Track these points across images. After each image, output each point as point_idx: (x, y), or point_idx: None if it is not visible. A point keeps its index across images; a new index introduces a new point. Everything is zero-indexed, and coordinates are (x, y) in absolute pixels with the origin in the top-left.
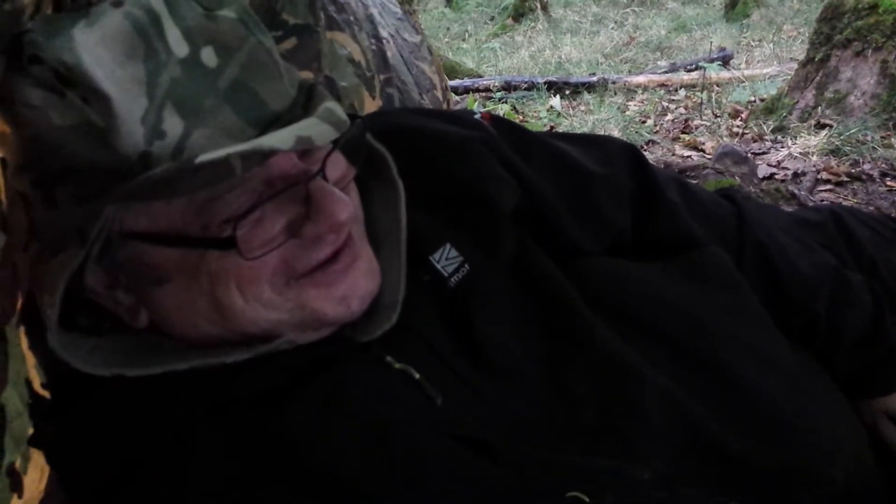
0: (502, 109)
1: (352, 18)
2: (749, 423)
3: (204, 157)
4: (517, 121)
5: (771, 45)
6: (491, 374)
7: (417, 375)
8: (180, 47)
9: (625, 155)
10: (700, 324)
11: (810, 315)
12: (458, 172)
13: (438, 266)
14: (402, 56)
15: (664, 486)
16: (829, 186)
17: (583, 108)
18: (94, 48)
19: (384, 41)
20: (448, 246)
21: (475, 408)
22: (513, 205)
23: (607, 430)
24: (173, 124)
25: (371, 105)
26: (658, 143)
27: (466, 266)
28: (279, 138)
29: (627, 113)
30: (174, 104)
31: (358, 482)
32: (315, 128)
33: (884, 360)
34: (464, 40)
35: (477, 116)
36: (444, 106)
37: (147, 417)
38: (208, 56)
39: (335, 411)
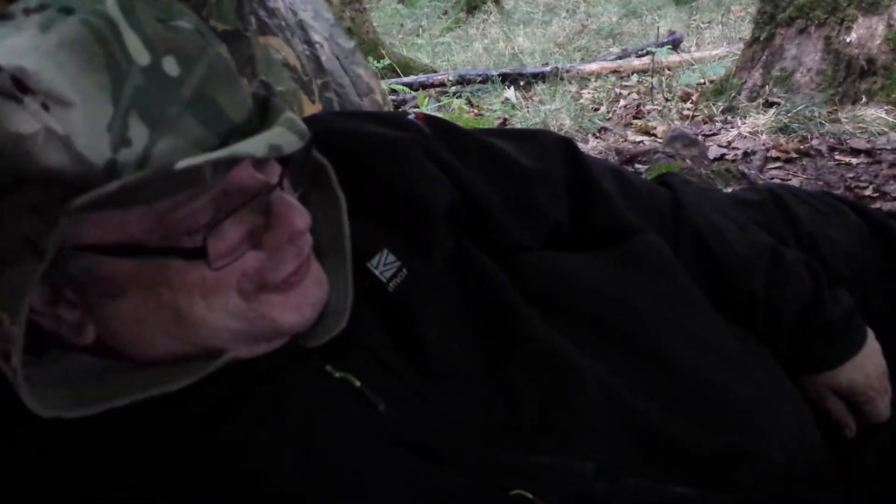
0: (457, 104)
1: (283, 23)
2: (690, 408)
3: (182, 164)
4: (472, 114)
5: (720, 26)
6: (433, 377)
7: (358, 383)
8: (141, 56)
9: (559, 148)
10: (637, 312)
11: (749, 295)
12: (390, 175)
13: (377, 272)
14: (338, 60)
15: (608, 477)
16: (778, 164)
17: (537, 98)
18: (56, 54)
19: (317, 46)
20: (385, 251)
21: (419, 412)
22: (447, 205)
23: (549, 426)
24: (139, 132)
25: (311, 109)
26: (610, 130)
27: (404, 270)
28: (252, 146)
29: (581, 101)
30: (139, 112)
31: (297, 494)
32: (284, 137)
33: (825, 335)
34: (418, 36)
35: (411, 117)
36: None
37: (77, 455)
38: (170, 65)
39: (274, 424)
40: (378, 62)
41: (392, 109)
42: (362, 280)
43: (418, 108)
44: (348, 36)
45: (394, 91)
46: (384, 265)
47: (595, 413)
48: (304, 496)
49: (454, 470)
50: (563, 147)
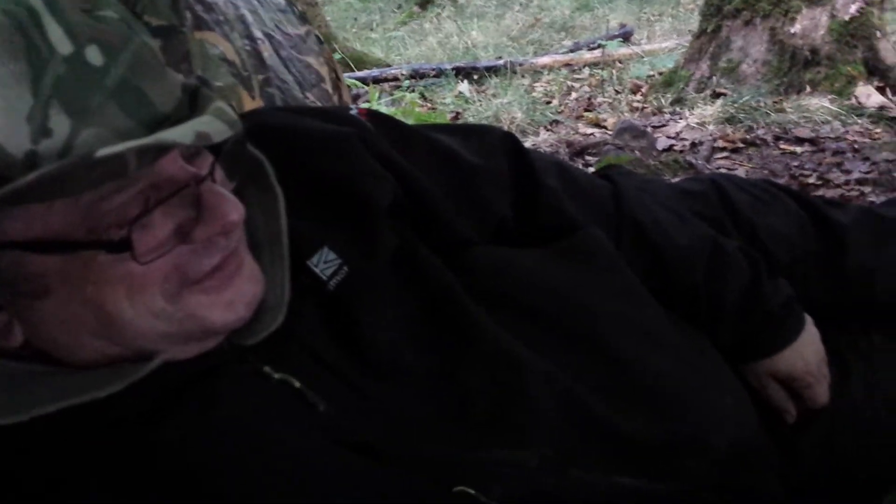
0: (410, 98)
1: (221, 18)
2: (633, 399)
3: (103, 152)
4: (425, 109)
5: (670, 18)
6: (378, 375)
7: (298, 384)
8: (63, 45)
9: (503, 144)
10: (581, 306)
11: (690, 287)
12: (330, 171)
13: (317, 270)
14: (279, 55)
15: (553, 470)
16: (725, 154)
17: (490, 92)
18: None
19: (259, 41)
20: (325, 249)
21: (361, 411)
22: (390, 201)
23: (497, 421)
24: (60, 123)
25: (251, 104)
26: (562, 123)
27: (345, 268)
28: (178, 133)
29: (534, 94)
30: (60, 102)
31: (235, 498)
32: (212, 125)
33: (764, 324)
34: (371, 30)
35: (353, 112)
36: (336, 98)
37: (7, 461)
38: (93, 55)
39: (209, 428)
40: None
41: (350, 98)
42: (302, 278)
43: (370, 102)
44: (302, 22)
45: (347, 86)
46: (324, 263)
47: (542, 406)
48: (241, 500)
49: (396, 469)
50: (507, 142)
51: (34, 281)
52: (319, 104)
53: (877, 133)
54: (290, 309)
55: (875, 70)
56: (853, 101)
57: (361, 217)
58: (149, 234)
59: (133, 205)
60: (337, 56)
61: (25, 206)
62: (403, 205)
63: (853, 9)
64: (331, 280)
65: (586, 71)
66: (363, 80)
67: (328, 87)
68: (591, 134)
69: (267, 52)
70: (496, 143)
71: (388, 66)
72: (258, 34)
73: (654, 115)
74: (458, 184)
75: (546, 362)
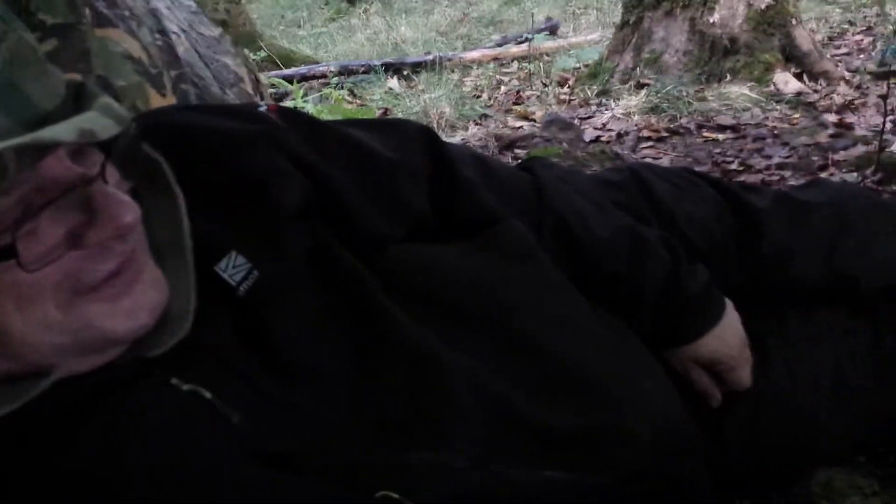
0: (339, 95)
1: (127, 13)
2: (555, 391)
3: None
4: (354, 105)
5: (595, 11)
6: (294, 381)
7: (209, 395)
8: None
9: (420, 137)
10: (502, 299)
11: (611, 276)
12: (236, 171)
13: (225, 276)
14: (197, 51)
15: (480, 469)
16: (650, 143)
17: (420, 87)
18: None
19: (173, 35)
20: (234, 253)
21: (278, 420)
22: (301, 201)
23: (419, 422)
24: None
25: (161, 102)
26: (491, 117)
27: (255, 272)
28: (59, 130)
29: (463, 89)
30: None
31: None
32: (97, 121)
33: (685, 310)
34: (299, 27)
35: (262, 109)
36: (258, 99)
37: None
38: None
39: (113, 446)
40: (256, 54)
41: (272, 100)
42: (210, 285)
43: (295, 100)
44: (215, 24)
45: (273, 85)
46: (233, 268)
47: (464, 404)
48: None
49: (316, 477)
50: (424, 136)
51: None
52: (239, 102)
53: (795, 118)
54: (198, 317)
55: (792, 57)
56: (772, 87)
57: (270, 219)
58: (36, 240)
59: (16, 209)
60: (263, 54)
61: None
62: (316, 204)
63: None
64: (240, 285)
65: (515, 65)
66: (290, 78)
67: (248, 87)
68: (520, 127)
69: (182, 46)
70: (412, 136)
71: (317, 63)
72: (173, 28)
73: (581, 106)
74: (375, 180)
75: (467, 358)
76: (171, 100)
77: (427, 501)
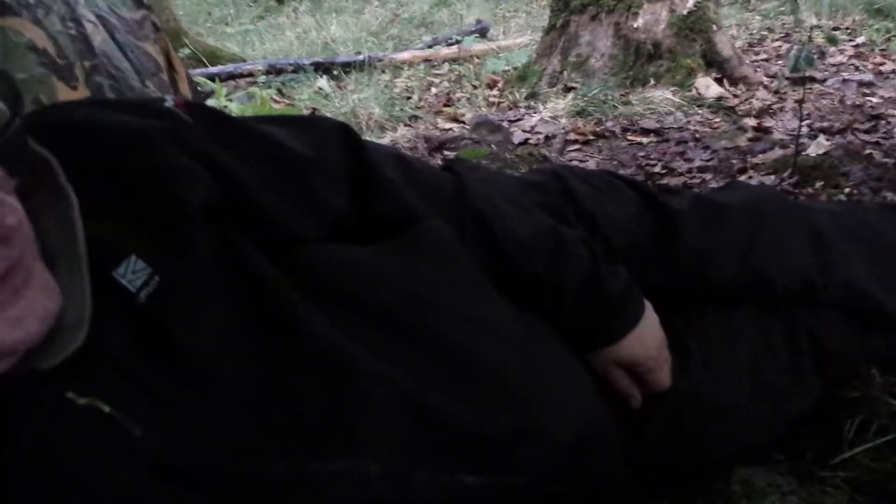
0: (266, 94)
1: (32, 1)
2: (473, 393)
3: None
4: (282, 105)
5: (524, 14)
6: (200, 390)
7: (107, 409)
8: None
9: (337, 134)
10: (420, 300)
11: (532, 277)
12: (135, 170)
13: (124, 282)
14: (116, 39)
15: (395, 476)
16: (577, 146)
17: (350, 88)
18: None
19: (88, 24)
20: (132, 257)
21: (183, 432)
22: (206, 200)
23: (333, 429)
24: None
25: (70, 95)
26: (421, 118)
27: (156, 277)
28: None
29: (395, 90)
30: None
31: None
32: None
33: (604, 311)
34: (227, 24)
35: (168, 104)
36: (174, 90)
37: None
38: None
39: (1, 465)
40: (180, 52)
41: (189, 90)
42: (108, 291)
43: (217, 99)
44: (137, 6)
45: (196, 84)
46: (132, 273)
47: (379, 409)
48: None
49: (220, 491)
50: (341, 133)
51: None
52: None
53: (716, 122)
54: (94, 325)
55: (713, 62)
56: (694, 92)
57: (171, 219)
58: None
59: None
60: (187, 51)
61: None
62: (223, 203)
63: (690, 3)
64: (141, 291)
65: (445, 66)
66: (216, 77)
67: (166, 76)
68: (450, 129)
69: (99, 36)
70: (329, 133)
71: (244, 61)
72: (88, 16)
73: (510, 109)
74: (289, 177)
75: (382, 362)
76: (82, 93)
77: None
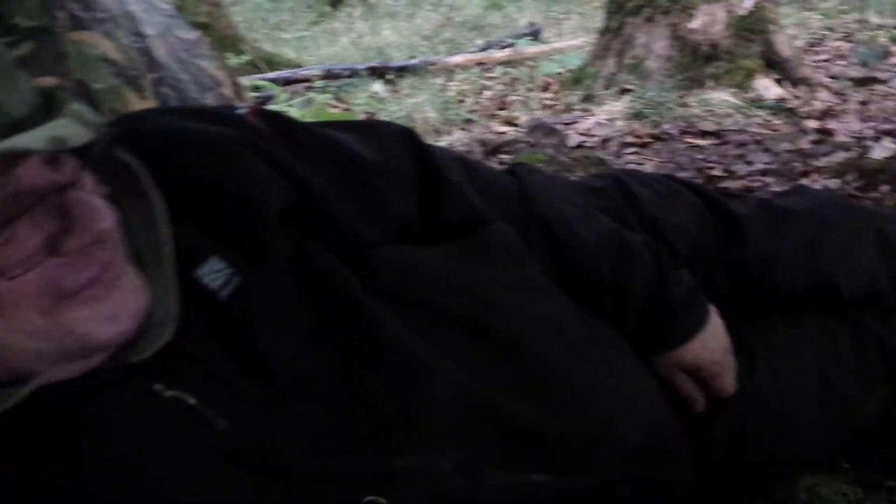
0: (322, 99)
1: (103, 16)
2: (542, 394)
3: None
4: (338, 110)
5: (577, 16)
6: (278, 387)
7: (193, 401)
8: None
9: (402, 139)
10: (488, 302)
11: (596, 281)
12: (215, 177)
13: (206, 281)
14: (174, 55)
15: (466, 473)
16: (634, 149)
17: (404, 92)
18: None
19: (150, 38)
20: (214, 258)
21: (262, 427)
22: (281, 205)
23: (404, 426)
24: None
25: (141, 105)
26: (475, 122)
27: (237, 278)
28: (31, 138)
29: (448, 93)
30: None
31: None
32: (68, 128)
33: (669, 315)
34: (282, 30)
35: (242, 112)
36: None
37: None
38: None
39: (96, 454)
40: (239, 58)
41: (253, 104)
42: (191, 291)
43: (277, 104)
44: (193, 28)
45: (257, 88)
46: (214, 273)
47: (450, 409)
48: None
49: (300, 484)
50: (406, 137)
51: None
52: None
53: (777, 125)
54: (180, 323)
55: (772, 63)
56: (753, 94)
57: (250, 224)
58: (13, 247)
59: None
60: (247, 58)
61: None
62: (298, 208)
63: (749, 3)
64: (221, 291)
65: (499, 70)
66: (274, 82)
67: (227, 91)
68: (505, 132)
69: (160, 49)
70: (394, 137)
71: (300, 66)
72: (149, 31)
73: (565, 112)
74: (357, 182)
75: (453, 362)
76: (150, 102)
77: None
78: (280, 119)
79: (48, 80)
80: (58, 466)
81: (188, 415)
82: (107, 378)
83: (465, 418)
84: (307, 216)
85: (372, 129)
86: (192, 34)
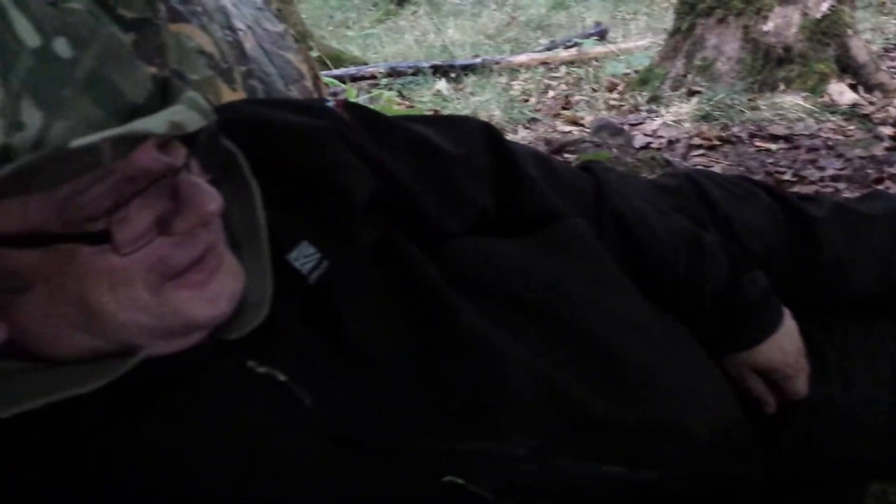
0: (387, 96)
1: (199, 9)
2: (615, 386)
3: (78, 142)
4: (402, 107)
5: (644, 17)
6: (362, 368)
7: (283, 378)
8: (31, 38)
9: (481, 133)
10: (564, 294)
11: (670, 279)
12: (306, 164)
13: (296, 265)
14: (262, 47)
15: (539, 460)
16: (701, 151)
17: (468, 90)
18: None
19: (240, 32)
20: (304, 243)
21: (346, 404)
22: (368, 194)
23: (479, 412)
24: (32, 116)
25: (232, 97)
26: (540, 121)
27: (325, 262)
28: (152, 123)
29: (511, 92)
30: (32, 95)
31: (219, 494)
32: (185, 114)
33: (743, 316)
34: (348, 28)
35: (329, 104)
36: (317, 95)
37: None
38: (62, 47)
39: (191, 423)
40: None
41: (338, 98)
42: (282, 273)
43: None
44: (280, 21)
45: (325, 84)
46: (304, 257)
47: (524, 397)
48: (225, 498)
49: (383, 461)
50: (486, 132)
51: (14, 276)
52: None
53: (850, 130)
54: (272, 305)
55: (847, 68)
56: (826, 98)
57: (340, 210)
58: (127, 226)
59: (109, 197)
60: (314, 54)
61: (2, 201)
62: (383, 198)
63: (824, 7)
64: (311, 274)
65: (563, 69)
66: (340, 78)
67: (308, 84)
68: (569, 132)
69: (249, 43)
70: (474, 132)
71: (365, 64)
72: (240, 25)
73: (631, 112)
74: (438, 175)
75: (528, 352)
76: (240, 94)
77: (489, 488)
78: (365, 112)
79: (150, 70)
80: (162, 435)
81: (278, 391)
82: (205, 354)
83: (539, 406)
84: (391, 205)
85: (452, 123)
86: (279, 26)
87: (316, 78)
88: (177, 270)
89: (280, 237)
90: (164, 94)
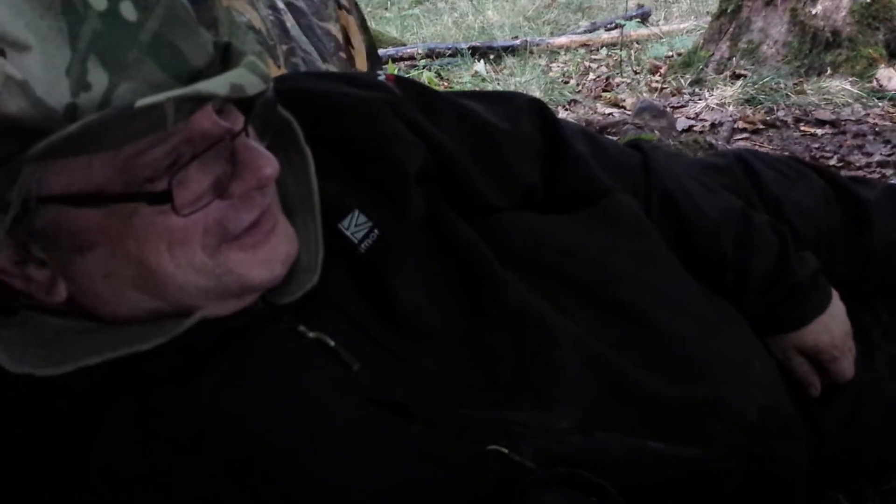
0: (426, 77)
1: None
2: (662, 363)
3: (142, 101)
4: (441, 88)
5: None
6: (409, 336)
7: (332, 343)
8: (98, 1)
9: (531, 109)
10: (611, 270)
11: (718, 257)
12: (360, 136)
13: (348, 233)
14: (300, 25)
15: (582, 432)
16: (745, 135)
17: (507, 71)
18: (11, 0)
19: (282, 11)
20: (356, 212)
21: (393, 371)
22: (419, 166)
23: (524, 383)
24: (98, 76)
25: (276, 73)
26: (580, 103)
27: (376, 231)
28: (214, 85)
29: (551, 74)
30: (98, 56)
31: (270, 452)
32: (245, 77)
33: (791, 296)
34: (386, 9)
35: (381, 78)
36: (366, 69)
37: (49, 412)
38: (127, 10)
39: (244, 384)
40: None
41: (376, 65)
42: (334, 241)
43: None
44: None
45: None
46: (355, 226)
47: (570, 369)
48: (275, 456)
49: (429, 427)
50: (535, 108)
51: (76, 236)
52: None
53: None
54: (323, 272)
55: None
56: (874, 83)
57: (391, 182)
58: (187, 187)
59: (169, 159)
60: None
61: (66, 160)
62: (432, 170)
63: None
64: (362, 243)
65: (604, 51)
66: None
67: (344, 54)
68: (610, 114)
69: (290, 22)
70: (523, 108)
71: (404, 45)
72: (280, 4)
73: (674, 95)
74: (486, 150)
75: (575, 325)
76: (283, 72)
77: (533, 458)
78: (416, 86)
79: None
80: (217, 392)
81: (328, 355)
82: (258, 316)
83: (584, 379)
84: (440, 178)
85: (501, 98)
86: None
87: (350, 45)
88: (233, 233)
89: (332, 206)
90: (224, 60)
